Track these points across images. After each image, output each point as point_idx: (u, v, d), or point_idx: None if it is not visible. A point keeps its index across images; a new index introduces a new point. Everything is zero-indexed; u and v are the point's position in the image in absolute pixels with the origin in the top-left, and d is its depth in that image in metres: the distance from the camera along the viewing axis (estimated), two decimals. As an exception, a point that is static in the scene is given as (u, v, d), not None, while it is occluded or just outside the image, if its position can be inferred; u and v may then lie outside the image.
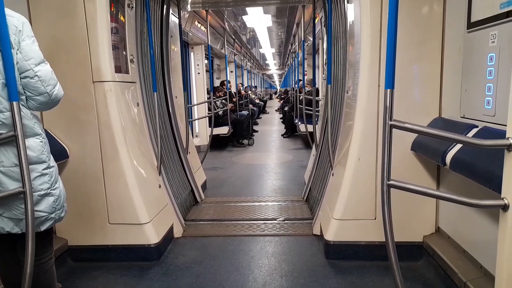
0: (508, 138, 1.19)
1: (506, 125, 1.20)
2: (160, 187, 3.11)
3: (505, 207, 1.20)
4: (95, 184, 2.66)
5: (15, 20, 1.51)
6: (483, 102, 1.88)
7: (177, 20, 4.12)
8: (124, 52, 2.85)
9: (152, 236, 2.71)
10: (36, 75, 1.54)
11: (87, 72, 2.54)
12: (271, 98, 30.52)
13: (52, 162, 1.71)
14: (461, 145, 1.90)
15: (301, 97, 5.34)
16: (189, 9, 4.82)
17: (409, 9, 2.37)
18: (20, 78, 1.52)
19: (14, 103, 1.47)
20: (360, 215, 2.63)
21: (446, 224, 2.50)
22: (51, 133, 2.57)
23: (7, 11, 1.46)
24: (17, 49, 1.50)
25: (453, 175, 2.27)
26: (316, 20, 4.35)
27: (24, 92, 1.56)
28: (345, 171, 2.65)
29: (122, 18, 2.80)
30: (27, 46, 1.52)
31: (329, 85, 3.16)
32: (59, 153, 2.48)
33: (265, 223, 3.39)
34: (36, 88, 1.55)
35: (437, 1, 2.35)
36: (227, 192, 4.56)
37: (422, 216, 2.61)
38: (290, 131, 9.07)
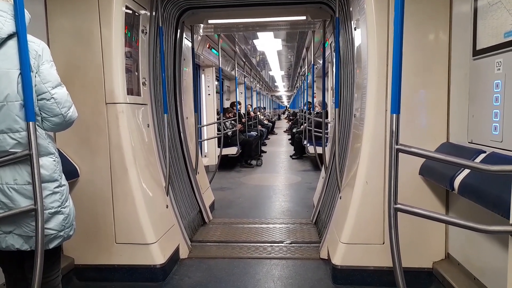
0: (514, 164, 1.19)
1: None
2: (167, 207, 3.12)
3: (513, 233, 1.19)
4: (103, 204, 2.69)
5: (35, 45, 1.59)
6: (491, 128, 1.88)
7: (190, 44, 4.24)
8: (136, 74, 2.94)
9: (158, 256, 2.71)
10: (53, 97, 1.60)
11: (100, 94, 2.62)
12: (279, 119, 30.65)
13: (64, 181, 1.74)
14: (469, 170, 1.89)
15: (310, 119, 5.37)
16: (202, 34, 4.96)
17: (415, 37, 2.42)
18: (37, 100, 1.59)
19: (31, 123, 1.53)
20: (368, 239, 2.60)
21: (456, 250, 2.46)
22: (63, 152, 2.62)
23: (29, 37, 1.54)
24: (36, 72, 1.57)
25: (462, 200, 2.25)
26: (326, 45, 4.43)
27: (40, 113, 1.62)
28: (353, 194, 2.63)
29: (136, 42, 2.90)
30: (45, 70, 1.59)
31: (336, 109, 3.19)
32: (70, 172, 2.53)
33: (272, 245, 3.36)
34: (51, 110, 1.61)
35: (443, 29, 2.40)
36: (235, 213, 4.55)
37: (432, 241, 2.57)
38: (299, 153, 9.08)
